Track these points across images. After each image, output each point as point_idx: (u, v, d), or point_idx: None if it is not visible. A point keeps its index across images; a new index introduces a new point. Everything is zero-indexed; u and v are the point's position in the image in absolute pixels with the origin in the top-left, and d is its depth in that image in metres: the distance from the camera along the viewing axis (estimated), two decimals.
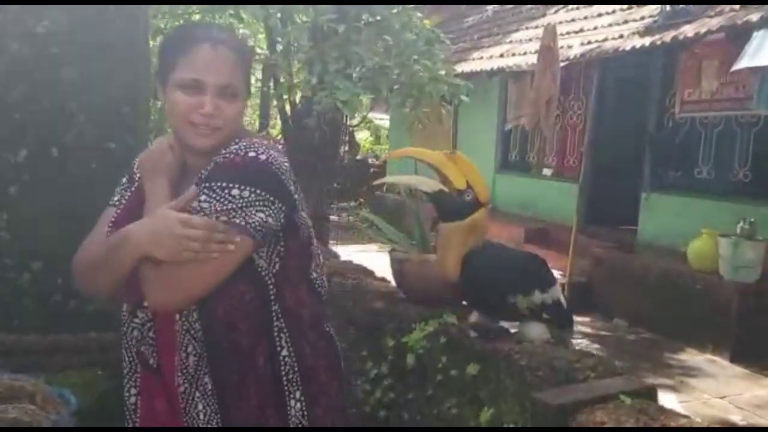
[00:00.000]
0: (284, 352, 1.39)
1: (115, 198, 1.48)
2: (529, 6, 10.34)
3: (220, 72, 1.34)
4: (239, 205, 1.27)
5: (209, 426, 1.36)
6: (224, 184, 1.28)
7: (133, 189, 1.46)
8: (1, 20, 2.19)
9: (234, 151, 1.33)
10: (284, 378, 1.39)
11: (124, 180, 1.50)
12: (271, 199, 1.30)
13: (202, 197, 1.29)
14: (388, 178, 1.76)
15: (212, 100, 1.33)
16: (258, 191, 1.29)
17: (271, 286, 1.37)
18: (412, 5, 5.49)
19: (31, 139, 2.22)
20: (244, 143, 1.34)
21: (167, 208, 1.30)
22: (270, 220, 1.30)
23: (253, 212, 1.27)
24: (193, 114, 1.34)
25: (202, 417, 1.36)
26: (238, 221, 1.27)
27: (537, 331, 2.17)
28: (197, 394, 1.37)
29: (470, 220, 1.93)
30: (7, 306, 2.26)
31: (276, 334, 1.39)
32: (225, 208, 1.27)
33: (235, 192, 1.28)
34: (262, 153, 1.32)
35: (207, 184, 1.30)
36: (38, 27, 2.19)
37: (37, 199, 2.23)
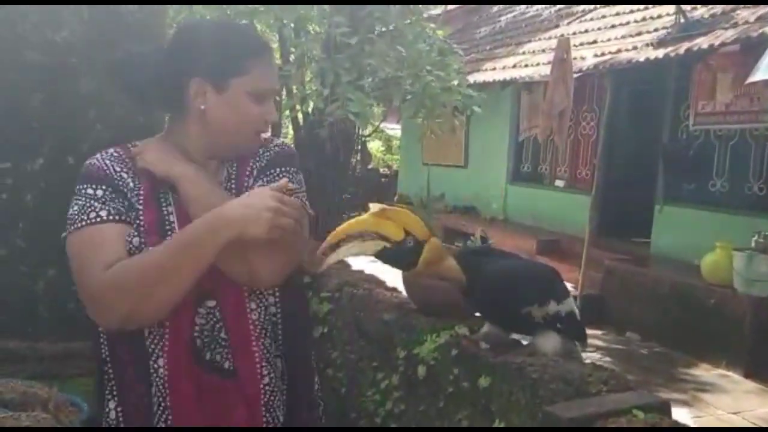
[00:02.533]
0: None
1: (104, 213, 1.25)
2: (542, 17, 10.35)
3: (276, 79, 1.37)
4: (303, 188, 1.39)
5: (285, 425, 1.35)
6: (295, 170, 1.40)
7: (137, 195, 1.29)
8: (20, 30, 2.22)
9: (280, 143, 1.43)
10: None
11: (99, 193, 1.27)
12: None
13: (284, 180, 1.31)
14: (335, 257, 1.76)
15: (274, 107, 1.36)
16: (301, 179, 1.42)
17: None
18: (425, 15, 5.51)
19: (47, 148, 2.24)
20: (279, 140, 1.46)
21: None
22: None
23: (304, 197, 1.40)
24: (261, 122, 1.33)
25: (279, 411, 1.34)
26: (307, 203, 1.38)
27: (551, 342, 2.16)
28: (278, 382, 1.35)
29: (422, 261, 1.94)
30: (22, 313, 2.28)
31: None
32: (301, 190, 1.38)
33: (300, 177, 1.40)
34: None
35: (284, 168, 1.37)
36: (57, 37, 2.22)
37: (52, 207, 2.25)
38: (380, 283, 3.51)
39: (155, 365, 1.26)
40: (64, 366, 2.21)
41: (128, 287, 1.19)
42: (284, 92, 5.45)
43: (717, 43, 5.60)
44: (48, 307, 2.27)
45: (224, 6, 4.91)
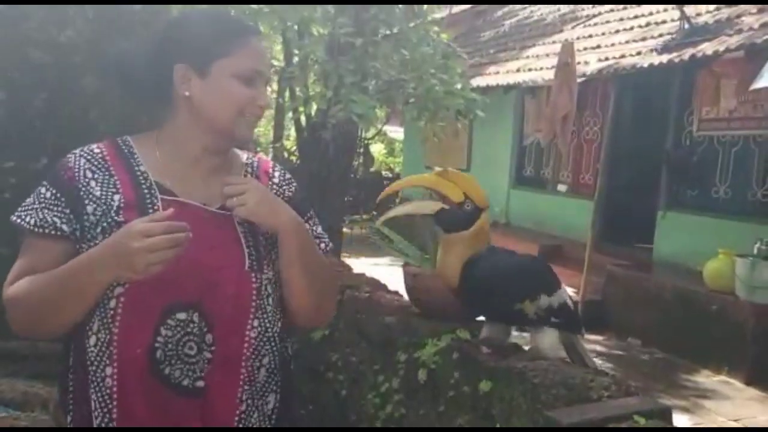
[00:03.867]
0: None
1: (31, 221, 1.22)
2: (546, 21, 10.36)
3: (270, 65, 1.37)
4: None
5: None
6: (312, 211, 1.47)
7: (104, 206, 1.23)
8: (25, 29, 2.22)
9: (290, 178, 1.45)
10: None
11: (48, 195, 1.23)
12: None
13: (317, 221, 1.44)
14: (390, 213, 1.80)
15: (266, 92, 1.33)
16: None
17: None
18: (430, 18, 5.51)
19: (51, 147, 2.24)
20: (278, 167, 1.46)
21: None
22: None
23: None
24: (249, 106, 1.27)
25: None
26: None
27: (549, 338, 2.16)
28: (255, 414, 1.27)
29: (475, 227, 1.94)
30: None
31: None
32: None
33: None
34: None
35: (311, 212, 1.44)
36: (61, 37, 2.22)
37: None
38: (382, 287, 3.50)
39: (102, 374, 1.19)
40: None
41: (20, 307, 1.20)
42: (287, 94, 5.46)
43: (721, 49, 5.59)
44: None
45: (228, 7, 4.92)
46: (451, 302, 2.73)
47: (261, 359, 1.27)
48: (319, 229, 1.43)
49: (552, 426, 1.79)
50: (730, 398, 4.83)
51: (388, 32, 4.90)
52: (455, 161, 10.64)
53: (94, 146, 1.31)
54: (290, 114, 5.87)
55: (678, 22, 6.87)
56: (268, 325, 1.28)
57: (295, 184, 1.44)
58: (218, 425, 1.23)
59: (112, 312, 1.20)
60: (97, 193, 1.23)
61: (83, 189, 1.23)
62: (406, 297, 3.05)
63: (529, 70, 8.49)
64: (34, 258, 1.22)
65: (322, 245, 1.41)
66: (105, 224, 1.21)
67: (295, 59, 5.55)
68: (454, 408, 2.36)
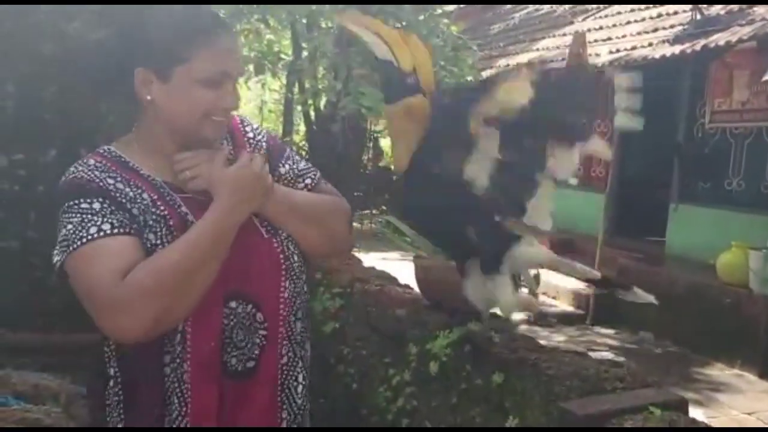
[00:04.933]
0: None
1: (107, 227, 1.16)
2: (556, 14, 10.29)
3: (238, 60, 1.27)
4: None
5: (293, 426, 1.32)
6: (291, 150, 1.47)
7: (143, 204, 1.21)
8: (33, 21, 2.21)
9: (257, 128, 1.43)
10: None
11: (96, 206, 1.17)
12: None
13: (297, 157, 1.43)
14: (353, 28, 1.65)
15: (234, 92, 1.25)
16: None
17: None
18: (439, 11, 5.48)
19: (60, 140, 2.24)
20: (248, 120, 1.45)
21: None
22: None
23: None
24: (215, 109, 1.22)
25: (300, 389, 1.33)
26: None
27: (503, 287, 1.92)
28: (299, 363, 1.33)
29: (404, 103, 1.75)
30: (34, 305, 2.28)
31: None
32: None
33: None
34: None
35: (290, 149, 1.45)
36: (70, 28, 2.21)
37: None
38: (392, 280, 3.49)
39: (179, 372, 1.19)
40: (76, 358, 2.20)
41: (157, 290, 1.11)
42: (296, 87, 5.45)
43: (734, 39, 5.53)
44: (60, 298, 2.26)
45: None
46: (463, 295, 2.71)
47: (296, 313, 1.32)
48: (301, 165, 1.41)
49: (567, 417, 1.77)
50: (744, 391, 4.79)
51: (397, 25, 4.87)
52: None
53: (89, 160, 1.26)
54: (299, 108, 5.86)
55: (690, 13, 6.80)
56: (296, 280, 1.33)
57: (265, 130, 1.45)
58: (263, 387, 1.27)
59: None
60: (131, 194, 1.21)
61: (118, 194, 1.20)
62: (416, 290, 3.03)
63: (540, 62, 8.43)
64: (127, 253, 1.14)
65: (308, 181, 1.40)
66: (151, 220, 1.20)
67: (304, 53, 5.53)
68: (466, 400, 2.34)
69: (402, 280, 3.50)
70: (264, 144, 1.39)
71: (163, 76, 1.19)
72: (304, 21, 5.01)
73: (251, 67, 6.29)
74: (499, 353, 2.24)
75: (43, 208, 2.25)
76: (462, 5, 11.48)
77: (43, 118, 2.23)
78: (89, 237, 1.14)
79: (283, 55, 6.27)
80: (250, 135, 1.38)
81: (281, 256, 1.30)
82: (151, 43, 1.20)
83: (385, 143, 16.13)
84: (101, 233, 1.14)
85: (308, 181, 1.40)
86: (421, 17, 5.07)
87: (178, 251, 1.15)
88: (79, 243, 1.14)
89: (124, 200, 1.19)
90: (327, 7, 4.90)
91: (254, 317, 1.26)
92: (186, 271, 1.14)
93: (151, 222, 1.19)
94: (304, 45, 5.44)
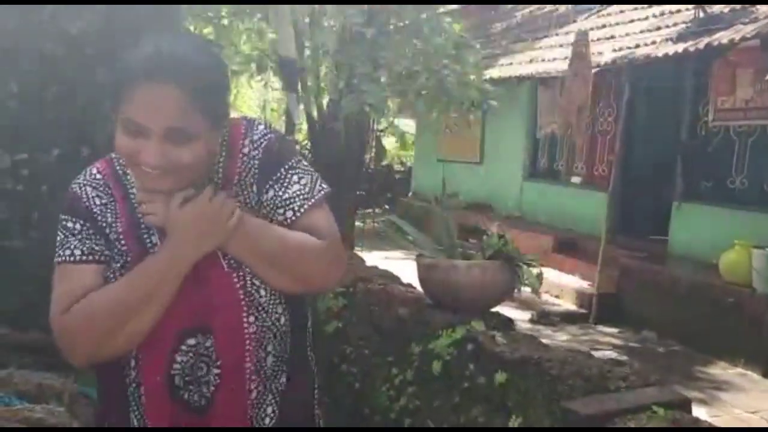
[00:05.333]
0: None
1: (78, 253, 1.23)
2: (559, 12, 10.27)
3: (163, 115, 1.14)
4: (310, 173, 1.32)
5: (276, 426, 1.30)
6: (298, 159, 1.32)
7: (115, 230, 1.25)
8: (36, 21, 2.21)
9: (266, 133, 1.31)
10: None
11: (78, 227, 1.24)
12: None
13: (294, 179, 1.27)
14: None
15: (157, 147, 1.15)
16: (304, 162, 1.33)
17: None
18: (442, 9, 5.48)
19: (63, 139, 2.24)
20: (256, 123, 1.33)
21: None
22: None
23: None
24: (138, 158, 1.16)
25: (267, 421, 1.29)
26: (324, 186, 1.31)
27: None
28: (269, 397, 1.29)
29: None
30: (37, 305, 2.27)
31: (309, 331, 1.40)
32: (312, 175, 1.30)
33: (301, 165, 1.31)
34: (270, 126, 1.37)
35: (287, 166, 1.28)
36: (73, 28, 2.21)
37: None
38: (395, 279, 3.49)
39: (136, 395, 1.25)
40: None
41: (88, 327, 1.19)
42: (299, 85, 5.45)
43: (737, 38, 5.51)
44: None
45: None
46: (466, 294, 2.72)
47: (266, 348, 1.27)
48: (291, 190, 1.26)
49: (570, 416, 1.77)
50: (747, 390, 4.78)
51: (400, 23, 4.87)
52: (468, 154, 10.59)
53: (94, 169, 1.30)
54: (301, 107, 5.86)
55: (693, 11, 6.78)
56: (265, 315, 1.27)
57: (267, 140, 1.29)
58: (232, 418, 1.25)
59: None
60: (109, 220, 1.26)
61: (100, 217, 1.26)
62: (419, 288, 3.03)
63: (542, 61, 8.42)
64: (84, 283, 1.22)
65: (288, 213, 1.26)
66: (115, 249, 1.24)
67: (307, 51, 5.53)
68: (468, 400, 2.34)
69: (404, 279, 3.50)
70: (257, 162, 1.28)
71: (113, 112, 1.19)
72: (307, 20, 5.00)
73: (254, 66, 6.29)
74: (502, 352, 2.24)
75: (46, 207, 2.25)
76: (464, 4, 11.46)
77: (46, 118, 2.23)
78: (63, 257, 1.24)
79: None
80: (246, 150, 1.28)
81: (241, 291, 1.24)
82: (111, 81, 1.21)
83: (387, 142, 16.14)
84: (72, 258, 1.24)
85: (289, 213, 1.26)
86: (424, 15, 5.06)
87: (115, 290, 1.20)
88: (58, 259, 1.25)
89: (104, 225, 1.25)
90: (329, 6, 4.90)
91: (212, 354, 1.23)
92: (120, 311, 1.18)
93: (115, 250, 1.24)
94: (306, 43, 5.44)
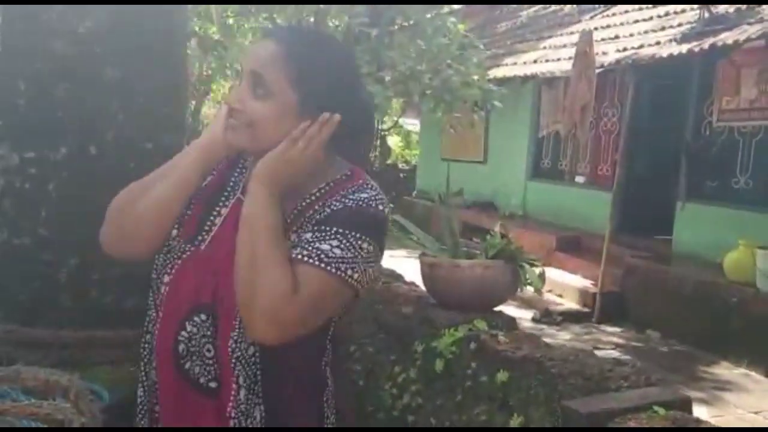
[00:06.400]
0: (330, 385, 1.36)
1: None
2: (563, 12, 10.27)
3: (252, 58, 1.24)
4: (364, 258, 1.21)
5: None
6: (358, 235, 1.21)
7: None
8: (45, 20, 2.23)
9: (365, 200, 1.25)
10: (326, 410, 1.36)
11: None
12: (380, 255, 1.28)
13: (334, 242, 1.19)
14: None
15: (236, 90, 1.27)
16: (377, 247, 1.25)
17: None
18: (446, 9, 5.48)
19: (71, 138, 2.26)
20: (369, 190, 1.28)
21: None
22: (374, 275, 1.27)
23: (369, 268, 1.23)
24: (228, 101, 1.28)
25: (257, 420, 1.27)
26: (356, 275, 1.20)
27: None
28: (255, 398, 1.27)
29: None
30: (45, 301, 2.30)
31: (323, 365, 1.35)
32: (352, 256, 1.20)
33: (365, 246, 1.21)
34: (384, 206, 1.28)
35: (341, 230, 1.20)
36: (81, 27, 2.23)
37: (74, 196, 2.27)
38: (398, 277, 3.51)
39: (150, 367, 1.33)
40: (87, 354, 2.23)
41: (118, 205, 1.34)
42: None
43: (742, 38, 5.51)
44: (70, 295, 2.29)
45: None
46: (469, 292, 2.73)
47: (238, 379, 1.24)
48: (321, 245, 1.18)
49: (571, 415, 1.78)
50: (750, 391, 4.79)
51: (404, 23, 4.88)
52: (472, 153, 10.59)
53: None
54: None
55: (698, 11, 6.78)
56: (243, 346, 1.24)
57: (351, 205, 1.24)
58: (221, 412, 1.25)
59: (162, 298, 1.30)
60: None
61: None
62: (422, 287, 3.05)
63: (547, 61, 8.42)
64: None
65: (297, 250, 1.19)
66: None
67: None
68: (471, 398, 2.35)
69: (408, 278, 3.51)
70: (328, 210, 1.24)
71: None
72: (312, 20, 5.02)
73: None
74: (504, 351, 2.25)
75: (53, 205, 2.28)
76: (469, 4, 11.45)
77: (54, 117, 2.25)
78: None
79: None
80: (335, 198, 1.25)
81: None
82: None
83: (392, 141, 16.15)
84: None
85: (298, 250, 1.20)
86: (428, 15, 5.08)
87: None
88: None
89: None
90: (334, 5, 4.92)
91: (216, 339, 1.25)
92: (142, 186, 1.33)
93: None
94: None
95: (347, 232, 1.20)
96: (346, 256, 1.19)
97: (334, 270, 1.17)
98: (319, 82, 1.22)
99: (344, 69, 1.29)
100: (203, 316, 1.25)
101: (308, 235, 1.21)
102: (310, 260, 1.17)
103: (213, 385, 1.25)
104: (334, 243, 1.19)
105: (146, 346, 1.34)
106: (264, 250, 1.17)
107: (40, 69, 2.24)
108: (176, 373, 1.26)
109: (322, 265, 1.17)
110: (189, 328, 1.25)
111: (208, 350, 1.25)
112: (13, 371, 2.14)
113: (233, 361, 1.23)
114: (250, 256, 1.17)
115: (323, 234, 1.20)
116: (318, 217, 1.24)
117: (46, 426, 1.94)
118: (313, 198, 1.27)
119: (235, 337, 1.24)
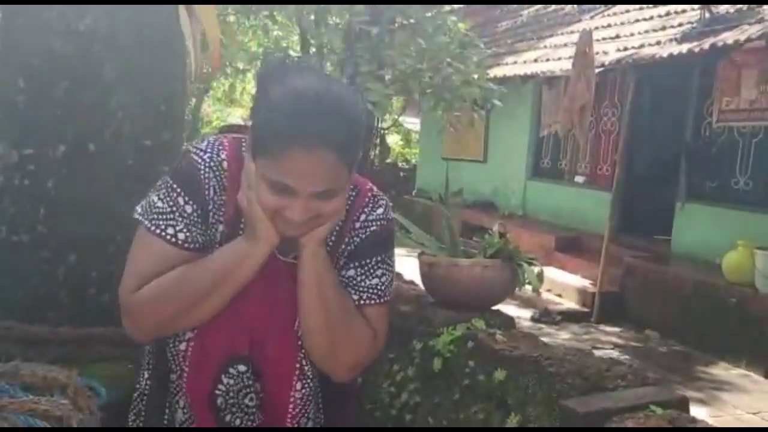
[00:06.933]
0: None
1: (182, 237, 1.21)
2: (564, 11, 10.26)
3: (315, 180, 1.12)
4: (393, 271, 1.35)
5: None
6: (390, 253, 1.34)
7: (217, 218, 1.25)
8: (44, 18, 2.24)
9: (384, 217, 1.32)
10: None
11: (189, 209, 1.22)
12: None
13: (379, 272, 1.29)
14: None
15: (304, 205, 1.13)
16: (394, 257, 1.36)
17: None
18: (447, 8, 5.48)
19: (70, 135, 2.26)
20: (381, 201, 1.34)
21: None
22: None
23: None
24: (283, 213, 1.15)
25: None
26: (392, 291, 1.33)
27: None
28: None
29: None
30: (43, 298, 2.30)
31: None
32: (393, 275, 1.33)
33: (394, 258, 1.35)
34: (392, 212, 1.36)
35: (379, 258, 1.30)
36: (80, 25, 2.23)
37: (73, 193, 2.27)
38: (397, 276, 3.51)
39: (176, 404, 1.28)
40: (85, 351, 2.23)
41: (160, 305, 1.19)
42: None
43: (742, 38, 5.51)
44: (69, 292, 2.30)
45: None
46: (467, 291, 2.73)
47: (308, 414, 1.29)
48: (371, 282, 1.27)
49: (568, 414, 1.78)
50: (748, 391, 4.79)
51: (404, 22, 4.88)
52: (471, 152, 10.60)
53: (223, 153, 1.25)
54: None
55: (698, 11, 6.78)
56: (311, 383, 1.28)
57: (378, 225, 1.30)
58: None
59: (182, 354, 1.25)
60: (213, 204, 1.25)
61: (211, 205, 1.24)
62: (421, 286, 3.05)
63: (547, 60, 8.43)
64: (162, 264, 1.20)
65: (357, 297, 1.27)
66: (209, 235, 1.25)
67: (312, 48, 5.55)
68: (469, 396, 2.36)
69: (407, 277, 3.51)
70: (358, 240, 1.29)
71: (251, 152, 1.17)
72: (312, 17, 5.02)
73: (259, 63, 6.31)
74: (502, 350, 2.26)
75: (52, 202, 2.28)
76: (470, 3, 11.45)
77: (54, 115, 2.26)
78: (160, 232, 1.21)
79: (290, 51, 6.28)
80: (358, 225, 1.30)
81: (299, 355, 1.26)
82: (254, 125, 1.17)
83: (392, 140, 16.14)
84: (173, 239, 1.21)
85: (356, 297, 1.27)
86: (429, 14, 5.08)
87: (186, 275, 1.19)
88: (152, 226, 1.22)
89: (209, 209, 1.24)
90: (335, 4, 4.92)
91: (256, 388, 1.27)
92: (187, 297, 1.18)
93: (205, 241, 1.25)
94: (311, 41, 5.46)
95: (383, 257, 1.30)
96: (390, 279, 1.31)
97: (389, 298, 1.31)
98: (359, 146, 1.21)
99: (361, 111, 1.24)
100: (242, 368, 1.24)
101: (351, 273, 1.28)
102: (372, 302, 1.28)
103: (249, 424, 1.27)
104: (379, 273, 1.29)
105: (176, 383, 1.28)
106: (338, 311, 1.23)
107: (40, 67, 2.25)
108: (218, 422, 1.26)
109: (382, 301, 1.29)
110: (226, 380, 1.24)
111: (251, 399, 1.25)
112: (11, 367, 2.14)
113: (302, 406, 1.27)
114: (326, 318, 1.22)
115: (366, 269, 1.28)
116: (350, 248, 1.29)
117: (44, 423, 1.94)
118: (338, 230, 1.29)
119: (299, 386, 1.27)
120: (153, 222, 1.21)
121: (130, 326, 1.24)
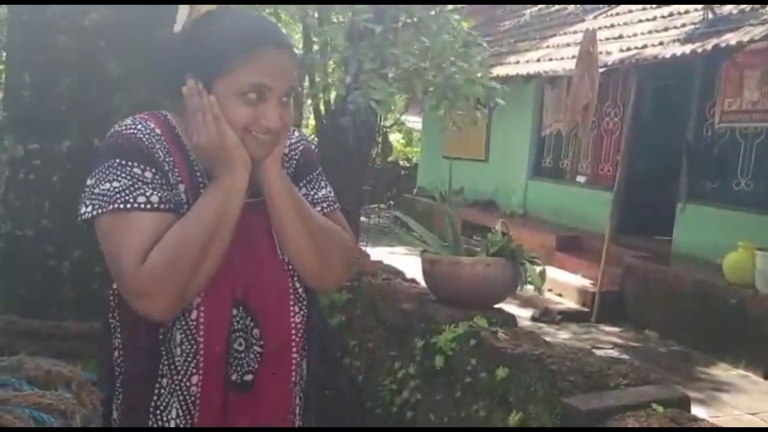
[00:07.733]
0: None
1: (155, 199, 1.16)
2: (567, 11, 10.26)
3: (288, 77, 1.20)
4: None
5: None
6: (320, 169, 1.41)
7: (175, 178, 1.21)
8: (50, 14, 2.25)
9: (304, 137, 1.43)
10: None
11: (149, 175, 1.17)
12: None
13: (322, 183, 1.38)
14: None
15: (276, 110, 1.19)
16: None
17: None
18: (450, 7, 5.48)
19: (75, 131, 2.27)
20: (297, 133, 1.42)
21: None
22: None
23: None
24: (254, 125, 1.18)
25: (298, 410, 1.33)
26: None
27: None
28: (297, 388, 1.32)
29: None
30: (48, 293, 2.31)
31: None
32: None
33: (323, 173, 1.42)
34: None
35: (317, 172, 1.38)
36: (86, 21, 2.24)
37: (78, 188, 2.27)
38: (399, 274, 3.52)
39: (188, 383, 1.21)
40: (88, 345, 2.24)
41: (177, 267, 1.12)
42: (306, 81, 5.47)
43: (745, 39, 5.50)
44: (73, 287, 2.31)
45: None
46: (469, 289, 2.74)
47: (304, 342, 1.31)
48: (320, 193, 1.35)
49: (570, 412, 1.79)
50: (748, 392, 4.80)
51: (408, 20, 4.88)
52: (473, 151, 10.60)
53: (150, 123, 1.24)
54: (309, 101, 5.88)
55: (701, 12, 6.77)
56: (303, 307, 1.31)
57: (303, 145, 1.39)
58: (271, 416, 1.27)
59: (194, 323, 1.20)
60: (166, 167, 1.21)
61: (168, 168, 1.21)
62: (423, 284, 3.06)
63: (550, 59, 8.42)
64: (148, 232, 1.13)
65: (318, 208, 1.32)
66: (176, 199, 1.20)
67: (315, 47, 5.56)
68: (470, 394, 2.37)
69: (409, 275, 3.53)
70: (294, 162, 1.36)
71: (207, 85, 1.17)
72: (316, 16, 5.03)
73: None
74: (504, 348, 2.26)
75: (57, 197, 2.29)
76: (473, 3, 11.45)
77: (59, 110, 2.27)
78: (135, 204, 1.14)
79: (293, 49, 6.28)
80: (287, 150, 1.34)
81: (290, 281, 1.28)
82: (200, 51, 1.18)
83: (394, 139, 16.15)
84: (148, 205, 1.14)
85: (318, 209, 1.32)
86: (432, 13, 5.08)
87: (185, 228, 1.15)
88: (122, 205, 1.13)
89: (168, 175, 1.20)
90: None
91: (251, 332, 1.24)
92: (197, 244, 1.14)
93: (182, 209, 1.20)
94: (314, 39, 5.47)
95: (319, 170, 1.39)
96: (330, 188, 1.39)
97: (338, 205, 1.38)
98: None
99: None
100: (235, 311, 1.23)
101: (303, 191, 1.33)
102: (330, 209, 1.35)
103: (248, 378, 1.24)
104: (323, 184, 1.38)
105: (183, 362, 1.21)
106: (319, 223, 1.29)
107: (45, 63, 2.26)
108: (226, 387, 1.23)
109: (336, 206, 1.37)
110: (234, 335, 1.23)
111: (239, 344, 1.24)
112: (15, 361, 2.16)
113: (295, 339, 1.29)
114: (310, 233, 1.26)
115: (313, 184, 1.36)
116: (291, 172, 1.34)
117: (48, 416, 1.95)
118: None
119: (297, 309, 1.29)
120: (118, 202, 1.14)
121: (148, 305, 1.13)
